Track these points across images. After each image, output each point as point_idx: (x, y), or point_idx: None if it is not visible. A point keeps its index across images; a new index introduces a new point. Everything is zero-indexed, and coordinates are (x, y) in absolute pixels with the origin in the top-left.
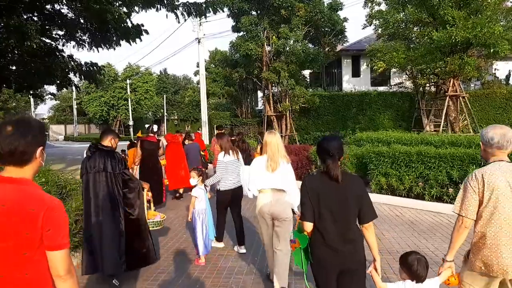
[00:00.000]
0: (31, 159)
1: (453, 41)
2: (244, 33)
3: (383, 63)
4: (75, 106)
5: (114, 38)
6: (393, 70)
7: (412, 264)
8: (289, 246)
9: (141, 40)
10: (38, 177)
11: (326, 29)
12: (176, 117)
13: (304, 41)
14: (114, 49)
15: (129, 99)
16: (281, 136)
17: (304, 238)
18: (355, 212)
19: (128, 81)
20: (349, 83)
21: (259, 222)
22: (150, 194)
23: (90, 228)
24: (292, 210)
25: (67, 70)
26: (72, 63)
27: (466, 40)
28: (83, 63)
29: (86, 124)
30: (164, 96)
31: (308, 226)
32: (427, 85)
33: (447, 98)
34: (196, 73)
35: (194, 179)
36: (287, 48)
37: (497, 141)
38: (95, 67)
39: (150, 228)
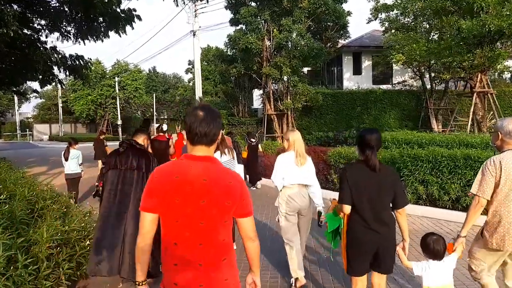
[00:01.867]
0: (216, 140)
1: (486, 30)
2: (243, 26)
3: (402, 56)
4: (60, 105)
5: (102, 29)
6: (396, 67)
7: (429, 244)
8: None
9: (132, 28)
10: None
11: (329, 23)
12: (166, 117)
13: (307, 34)
14: (102, 41)
15: (118, 98)
16: (282, 137)
17: (334, 222)
18: (389, 198)
19: (116, 79)
20: (350, 81)
21: (283, 217)
22: None
23: (110, 228)
24: (319, 212)
25: (49, 63)
26: (55, 55)
27: (499, 30)
28: (67, 55)
29: (72, 123)
30: (154, 95)
31: (347, 209)
32: (451, 80)
33: (474, 95)
34: (188, 71)
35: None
36: (289, 43)
37: None
38: (80, 61)
39: None
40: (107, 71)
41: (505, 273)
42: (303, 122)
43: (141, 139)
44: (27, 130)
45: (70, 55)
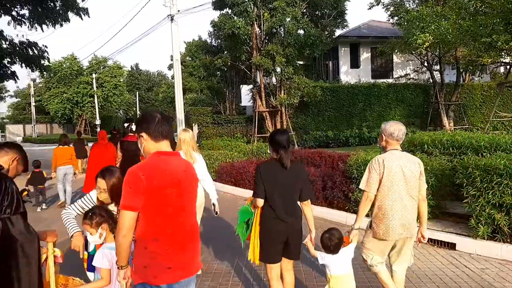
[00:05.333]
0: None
1: None
2: (229, 9)
3: (429, 36)
4: (33, 103)
5: (60, 10)
6: (396, 60)
7: (323, 241)
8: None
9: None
10: None
11: (325, 10)
12: None
13: (304, 18)
14: (62, 25)
15: (96, 95)
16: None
17: (246, 214)
18: (297, 192)
19: (94, 75)
20: (347, 75)
21: None
22: (59, 252)
23: None
24: (214, 205)
25: None
26: (1, 41)
27: None
28: (17, 42)
29: (48, 124)
30: (137, 93)
31: (260, 202)
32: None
33: None
34: (171, 67)
35: (92, 236)
36: (282, 29)
37: (396, 135)
38: (34, 48)
39: None
40: (84, 68)
41: (390, 258)
42: (299, 120)
43: (3, 160)
44: (0, 131)
45: (21, 42)
